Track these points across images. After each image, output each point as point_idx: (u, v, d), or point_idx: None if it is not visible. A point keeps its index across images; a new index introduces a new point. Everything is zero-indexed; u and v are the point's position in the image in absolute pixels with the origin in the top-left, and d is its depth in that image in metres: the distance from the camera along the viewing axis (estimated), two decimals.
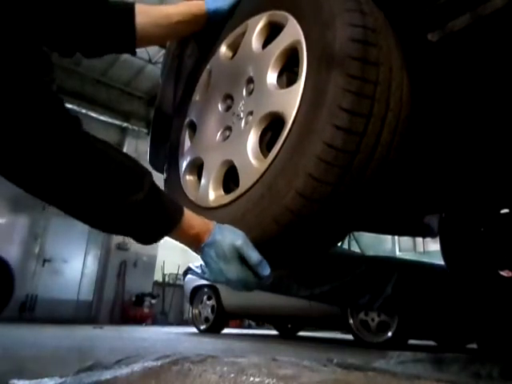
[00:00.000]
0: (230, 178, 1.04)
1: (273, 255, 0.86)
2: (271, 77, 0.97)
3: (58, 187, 0.67)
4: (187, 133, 1.27)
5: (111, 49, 1.10)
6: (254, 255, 0.81)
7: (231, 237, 0.81)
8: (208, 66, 1.27)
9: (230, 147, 1.02)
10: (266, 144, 0.97)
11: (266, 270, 0.82)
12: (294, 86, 0.88)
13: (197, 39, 1.37)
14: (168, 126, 1.42)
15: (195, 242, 0.82)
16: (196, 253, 0.86)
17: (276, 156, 0.87)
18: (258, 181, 0.89)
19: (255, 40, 1.08)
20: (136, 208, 0.71)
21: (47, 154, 0.64)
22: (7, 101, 0.61)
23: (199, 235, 0.81)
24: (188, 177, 1.18)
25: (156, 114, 1.62)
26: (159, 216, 0.75)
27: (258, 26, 1.08)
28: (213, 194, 1.04)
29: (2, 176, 0.66)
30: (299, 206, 0.80)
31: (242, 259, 0.81)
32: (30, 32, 0.67)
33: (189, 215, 0.81)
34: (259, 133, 0.96)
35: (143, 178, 0.74)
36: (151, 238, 0.77)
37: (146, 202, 0.72)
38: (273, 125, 0.95)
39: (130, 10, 1.06)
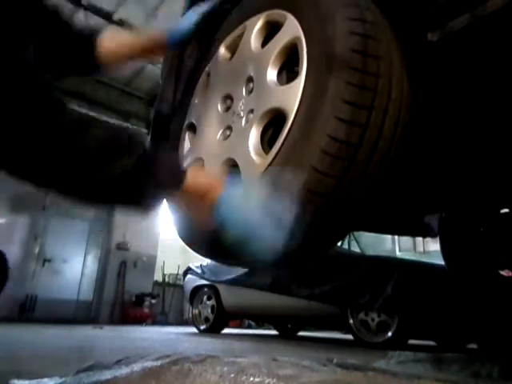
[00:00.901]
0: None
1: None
2: (271, 74, 0.97)
3: (46, 159, 0.68)
4: (187, 133, 1.27)
5: (76, 72, 1.15)
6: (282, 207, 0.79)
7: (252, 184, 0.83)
8: (207, 68, 1.27)
9: (232, 146, 1.03)
10: (267, 141, 0.97)
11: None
12: (295, 82, 0.88)
13: (198, 39, 1.37)
14: (168, 127, 1.42)
15: (206, 200, 0.81)
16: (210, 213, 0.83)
17: (278, 151, 0.87)
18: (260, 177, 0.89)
19: (254, 40, 1.08)
20: (123, 177, 0.72)
21: (29, 124, 0.65)
22: None
23: (210, 189, 0.81)
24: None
25: (156, 114, 1.62)
26: (153, 181, 0.76)
27: (256, 26, 1.08)
28: None
29: None
30: (303, 200, 0.80)
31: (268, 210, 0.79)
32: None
33: (193, 175, 0.81)
34: (260, 130, 0.96)
35: (132, 145, 0.76)
36: (149, 205, 0.77)
37: (135, 171, 0.73)
38: (274, 122, 0.95)
39: (92, 40, 1.10)
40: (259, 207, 0.78)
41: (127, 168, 0.72)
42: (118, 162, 0.71)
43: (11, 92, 0.64)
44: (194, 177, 0.80)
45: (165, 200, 0.79)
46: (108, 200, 0.77)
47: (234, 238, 0.80)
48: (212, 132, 1.13)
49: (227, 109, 1.12)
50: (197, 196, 0.80)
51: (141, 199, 0.77)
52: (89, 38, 1.10)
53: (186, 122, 1.28)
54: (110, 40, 1.12)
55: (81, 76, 1.19)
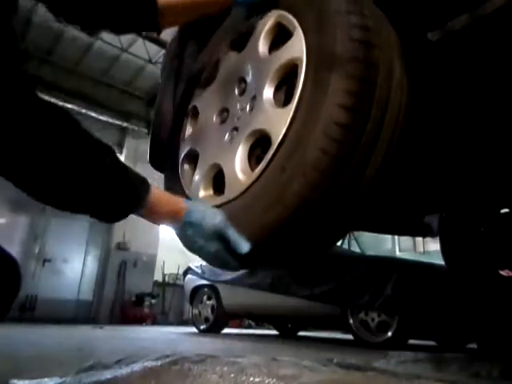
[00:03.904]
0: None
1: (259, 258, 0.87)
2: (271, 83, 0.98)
3: (14, 154, 0.64)
4: (187, 132, 1.27)
5: (134, 26, 1.09)
6: (232, 232, 0.81)
7: (209, 216, 0.81)
8: (218, 55, 1.27)
9: (234, 148, 1.02)
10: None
11: (244, 247, 0.81)
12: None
13: (197, 39, 1.37)
14: (168, 127, 1.42)
15: (169, 221, 0.81)
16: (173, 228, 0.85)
17: (275, 153, 0.87)
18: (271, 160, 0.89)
19: (262, 42, 1.07)
20: (100, 178, 0.69)
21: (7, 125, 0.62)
22: None
23: (172, 214, 0.80)
24: (188, 175, 1.19)
25: (156, 114, 1.62)
26: (124, 189, 0.73)
27: (266, 26, 1.07)
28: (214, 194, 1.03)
29: None
30: (302, 201, 0.80)
31: (221, 237, 0.81)
32: None
33: (158, 192, 0.79)
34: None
35: (108, 150, 0.73)
36: (114, 213, 0.75)
37: (110, 173, 0.71)
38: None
39: None
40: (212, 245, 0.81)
41: (103, 172, 0.69)
42: (97, 165, 0.69)
43: None
44: (157, 195, 0.78)
45: (128, 210, 0.76)
46: (76, 202, 0.72)
47: (192, 251, 0.84)
48: (214, 133, 1.13)
49: (228, 108, 1.11)
50: (157, 214, 0.79)
51: (108, 205, 0.73)
52: None
53: (190, 107, 1.29)
54: None
55: (141, 31, 1.12)
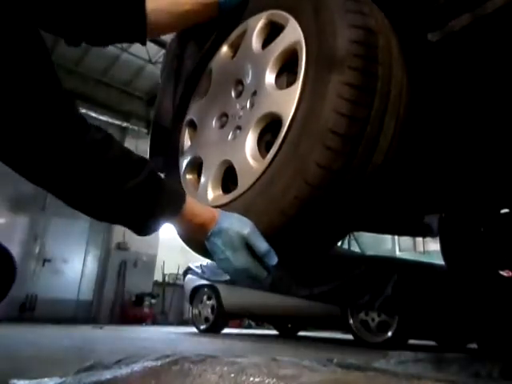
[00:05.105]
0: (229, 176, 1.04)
1: (279, 248, 0.87)
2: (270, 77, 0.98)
3: (56, 173, 0.67)
4: (186, 145, 1.28)
5: (120, 37, 1.07)
6: (262, 244, 0.79)
7: (239, 225, 0.80)
8: (209, 66, 1.28)
9: (242, 139, 1.03)
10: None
11: (273, 260, 0.80)
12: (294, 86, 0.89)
13: (197, 39, 1.37)
14: (168, 127, 1.42)
15: (200, 231, 0.81)
16: (203, 241, 0.84)
17: (277, 152, 0.87)
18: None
19: (255, 40, 1.08)
20: (135, 193, 0.71)
21: (45, 143, 0.64)
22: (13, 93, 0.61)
23: (204, 224, 0.80)
24: (192, 182, 1.19)
25: (156, 114, 1.62)
26: (159, 202, 0.74)
27: (258, 26, 1.08)
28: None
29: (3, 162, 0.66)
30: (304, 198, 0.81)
31: (250, 249, 0.79)
32: (31, 21, 0.66)
33: (192, 203, 0.79)
34: (257, 135, 0.97)
35: (143, 164, 0.74)
36: (151, 225, 0.76)
37: (145, 187, 0.72)
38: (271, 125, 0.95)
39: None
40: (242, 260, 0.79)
41: (137, 182, 0.71)
42: (132, 180, 0.70)
43: (34, 108, 0.63)
44: (191, 206, 0.79)
45: (163, 222, 0.78)
46: (113, 215, 0.74)
47: (220, 267, 0.83)
48: (213, 131, 1.14)
49: (229, 106, 1.12)
50: (190, 224, 0.80)
51: (143, 218, 0.74)
52: None
53: (187, 119, 1.29)
54: (154, 1, 1.03)
55: (125, 42, 1.11)
